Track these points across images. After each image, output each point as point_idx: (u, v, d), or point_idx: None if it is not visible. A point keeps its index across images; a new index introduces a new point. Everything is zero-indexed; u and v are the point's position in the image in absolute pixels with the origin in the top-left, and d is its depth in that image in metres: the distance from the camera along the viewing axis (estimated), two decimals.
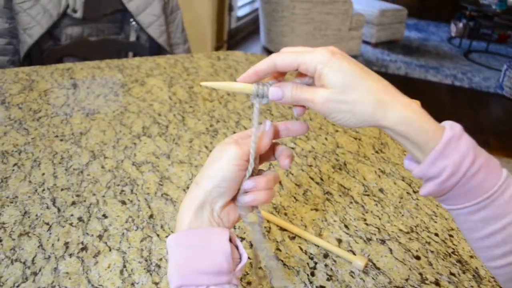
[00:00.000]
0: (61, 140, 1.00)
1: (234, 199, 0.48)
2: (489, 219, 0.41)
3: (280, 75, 0.48)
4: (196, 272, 0.42)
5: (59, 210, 0.78)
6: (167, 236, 0.73)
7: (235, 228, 0.77)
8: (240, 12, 5.51)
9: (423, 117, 0.41)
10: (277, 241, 0.75)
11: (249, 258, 0.70)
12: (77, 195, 0.82)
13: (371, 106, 0.41)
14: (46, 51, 1.87)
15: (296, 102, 0.46)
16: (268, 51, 4.78)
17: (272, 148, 0.51)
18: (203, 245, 0.43)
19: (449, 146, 0.40)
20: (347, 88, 0.42)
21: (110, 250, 0.70)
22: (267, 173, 0.49)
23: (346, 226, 0.80)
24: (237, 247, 0.46)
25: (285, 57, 0.44)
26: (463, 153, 0.39)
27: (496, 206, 0.41)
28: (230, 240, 0.44)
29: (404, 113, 0.41)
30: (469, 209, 0.42)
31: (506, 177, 0.41)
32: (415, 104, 0.42)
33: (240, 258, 0.45)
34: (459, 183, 0.40)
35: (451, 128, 0.41)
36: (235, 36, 5.18)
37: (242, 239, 0.75)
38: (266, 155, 0.51)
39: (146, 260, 0.69)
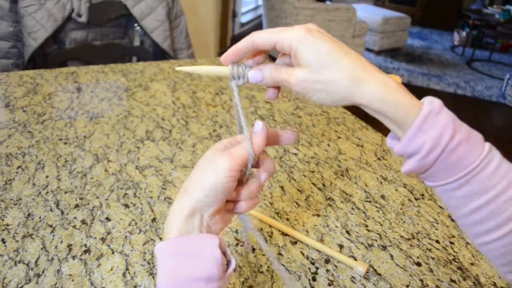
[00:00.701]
0: (65, 143, 1.01)
1: (222, 209, 0.47)
2: (473, 195, 0.41)
3: (260, 53, 0.48)
4: (186, 279, 0.41)
5: (62, 212, 0.79)
6: None
7: (237, 232, 0.78)
8: (244, 18, 5.54)
9: (399, 94, 0.40)
10: (279, 246, 0.75)
11: (244, 266, 0.70)
12: (81, 198, 0.83)
13: (346, 85, 0.41)
14: (50, 54, 1.88)
15: (275, 84, 0.46)
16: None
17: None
18: (193, 252, 0.43)
19: (427, 121, 0.39)
20: (323, 67, 0.41)
21: (113, 253, 0.71)
22: (250, 184, 0.48)
23: (347, 232, 0.80)
24: (225, 254, 0.45)
25: (263, 35, 0.44)
26: (442, 128, 0.39)
27: (478, 181, 0.40)
28: (219, 246, 0.44)
29: (379, 90, 0.40)
30: (452, 185, 0.41)
31: (488, 151, 0.40)
32: (392, 81, 0.41)
33: (228, 265, 0.45)
34: (439, 158, 0.40)
35: (430, 103, 0.40)
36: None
37: (242, 243, 0.75)
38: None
39: (148, 263, 0.69)
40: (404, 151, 0.41)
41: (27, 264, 0.67)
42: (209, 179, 0.44)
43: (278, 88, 0.48)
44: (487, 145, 0.41)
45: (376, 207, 0.88)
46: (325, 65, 0.41)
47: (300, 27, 0.43)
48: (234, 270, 0.46)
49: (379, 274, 0.72)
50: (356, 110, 1.24)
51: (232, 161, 0.44)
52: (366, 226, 0.82)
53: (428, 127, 0.39)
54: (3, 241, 0.72)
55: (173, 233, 0.44)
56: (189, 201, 0.45)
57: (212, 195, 0.44)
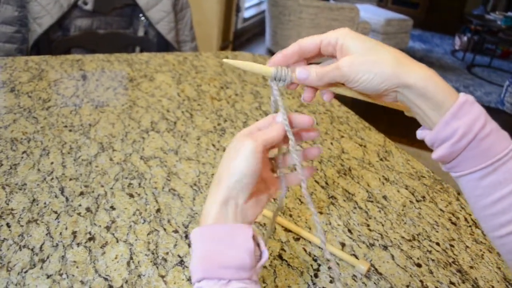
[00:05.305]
0: (70, 130, 1.01)
1: (255, 193, 0.49)
2: (497, 184, 0.43)
3: (303, 61, 0.51)
4: (219, 266, 0.43)
5: (67, 199, 0.79)
6: (174, 231, 0.75)
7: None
8: (247, 14, 5.53)
9: (439, 78, 0.44)
10: (281, 242, 0.76)
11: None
12: (86, 186, 0.83)
13: (393, 64, 0.44)
14: (55, 41, 1.88)
15: (321, 79, 0.48)
16: (273, 53, 4.78)
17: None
18: (227, 240, 0.44)
19: (463, 109, 0.42)
20: (368, 51, 0.45)
21: (117, 242, 0.71)
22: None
23: (349, 231, 0.81)
24: (258, 245, 0.46)
25: (308, 38, 0.48)
26: (475, 116, 0.42)
27: (505, 170, 0.42)
28: (253, 237, 0.45)
29: (423, 71, 0.44)
30: (479, 173, 0.43)
31: None
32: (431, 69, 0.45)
33: (261, 256, 0.46)
34: (470, 145, 0.42)
35: (465, 95, 0.43)
36: (241, 37, 5.19)
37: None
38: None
39: (152, 253, 0.70)
40: (437, 137, 0.44)
41: (32, 249, 0.68)
42: (236, 165, 0.45)
43: (315, 90, 0.51)
44: None
45: (378, 207, 0.89)
46: (371, 49, 0.45)
47: (342, 28, 0.47)
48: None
49: (380, 274, 0.72)
50: (360, 110, 1.25)
51: (254, 144, 0.46)
52: (368, 225, 0.83)
53: (462, 114, 0.42)
54: (8, 225, 0.72)
55: (209, 220, 0.46)
56: (220, 190, 0.46)
57: (243, 180, 0.45)
